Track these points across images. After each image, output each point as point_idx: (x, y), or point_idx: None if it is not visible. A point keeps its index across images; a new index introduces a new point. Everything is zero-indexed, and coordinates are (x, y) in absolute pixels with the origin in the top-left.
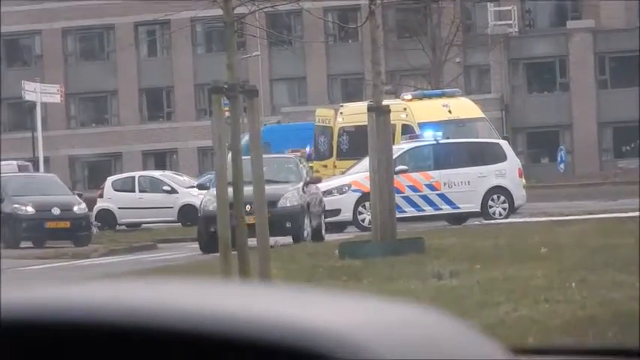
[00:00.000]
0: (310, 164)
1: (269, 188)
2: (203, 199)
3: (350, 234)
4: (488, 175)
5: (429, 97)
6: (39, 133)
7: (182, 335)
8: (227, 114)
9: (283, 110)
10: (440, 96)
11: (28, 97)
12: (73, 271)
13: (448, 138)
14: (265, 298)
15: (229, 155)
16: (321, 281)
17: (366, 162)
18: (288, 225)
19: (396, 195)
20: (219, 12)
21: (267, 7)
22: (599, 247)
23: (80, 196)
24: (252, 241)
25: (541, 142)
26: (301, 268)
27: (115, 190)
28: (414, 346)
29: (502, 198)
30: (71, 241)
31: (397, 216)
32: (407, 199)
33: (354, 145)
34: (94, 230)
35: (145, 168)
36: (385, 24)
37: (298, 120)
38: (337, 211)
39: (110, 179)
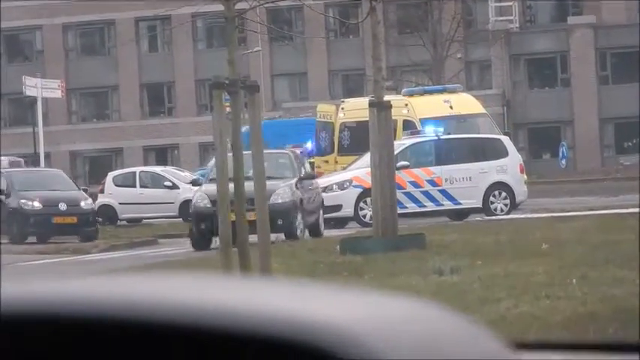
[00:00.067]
0: (311, 160)
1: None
2: (194, 195)
3: (351, 230)
4: (489, 171)
5: (430, 92)
6: (40, 129)
7: (182, 329)
8: (228, 109)
9: (284, 106)
10: (441, 92)
11: (29, 92)
12: (73, 266)
13: (449, 134)
14: (266, 293)
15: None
16: (322, 277)
17: (367, 158)
18: (279, 222)
19: (398, 191)
20: (220, 7)
21: (268, 3)
22: (600, 244)
23: (85, 191)
24: (251, 238)
25: (542, 138)
26: (302, 263)
27: (116, 185)
28: (416, 340)
29: (503, 194)
30: (78, 237)
31: (398, 212)
32: (408, 194)
33: (356, 140)
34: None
35: (146, 163)
36: (386, 19)
37: (297, 115)
38: (338, 207)
39: (111, 175)
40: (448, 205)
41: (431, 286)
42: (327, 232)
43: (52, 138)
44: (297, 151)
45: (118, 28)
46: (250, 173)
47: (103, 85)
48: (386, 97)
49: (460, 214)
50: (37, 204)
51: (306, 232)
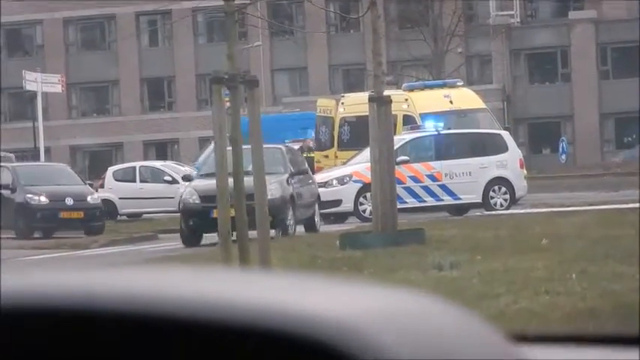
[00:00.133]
0: (311, 154)
1: (249, 180)
2: (183, 192)
3: (351, 225)
4: (489, 166)
5: (431, 87)
6: (40, 123)
7: (181, 322)
8: (228, 104)
9: (284, 100)
10: (441, 86)
11: (29, 86)
12: (72, 261)
13: (449, 128)
14: (265, 285)
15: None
16: (321, 272)
17: (367, 152)
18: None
19: (397, 186)
20: (221, 2)
21: None
22: (600, 239)
23: (91, 185)
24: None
25: (542, 133)
26: (301, 258)
27: (116, 180)
28: (417, 333)
29: (503, 189)
30: (84, 232)
31: (398, 207)
32: (408, 189)
33: (356, 135)
34: None
35: (146, 158)
36: (387, 14)
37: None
38: (338, 202)
39: (111, 169)
40: (448, 200)
41: (430, 282)
42: (327, 227)
43: (52, 132)
44: (295, 146)
45: (119, 23)
46: (250, 168)
47: (103, 79)
48: (386, 92)
49: (460, 209)
50: (43, 199)
51: (299, 228)
